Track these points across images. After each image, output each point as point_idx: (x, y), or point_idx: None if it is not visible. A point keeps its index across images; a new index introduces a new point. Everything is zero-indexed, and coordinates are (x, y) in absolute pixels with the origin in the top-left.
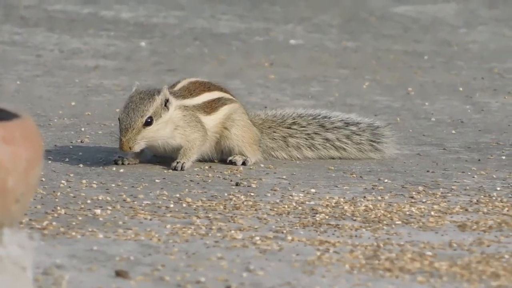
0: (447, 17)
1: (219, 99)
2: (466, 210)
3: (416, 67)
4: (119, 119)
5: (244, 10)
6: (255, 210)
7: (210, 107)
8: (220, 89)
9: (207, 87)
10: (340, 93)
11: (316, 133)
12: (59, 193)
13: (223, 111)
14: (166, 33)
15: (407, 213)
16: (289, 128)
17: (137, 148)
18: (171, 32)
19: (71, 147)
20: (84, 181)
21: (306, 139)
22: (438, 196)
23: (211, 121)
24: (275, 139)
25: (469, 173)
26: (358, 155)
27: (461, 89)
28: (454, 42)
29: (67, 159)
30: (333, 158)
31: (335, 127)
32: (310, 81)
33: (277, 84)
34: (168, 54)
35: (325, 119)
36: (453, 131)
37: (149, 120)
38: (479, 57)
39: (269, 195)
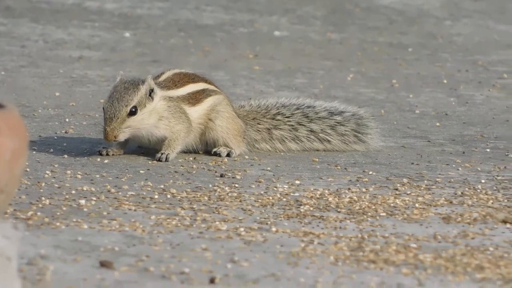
0: (433, 9)
1: (203, 90)
2: (451, 202)
3: (401, 59)
4: (103, 108)
5: (229, 1)
6: (240, 201)
7: (195, 98)
8: (205, 80)
9: (192, 78)
10: (325, 85)
11: (300, 124)
12: (43, 184)
13: (207, 102)
14: (150, 24)
15: (392, 205)
16: (273, 119)
17: (121, 137)
18: (156, 23)
19: (55, 137)
20: (68, 171)
21: (290, 130)
22: (422, 188)
23: (195, 112)
24: (259, 131)
25: (453, 165)
26: (342, 147)
27: (445, 81)
28: (439, 34)
29: (51, 150)
30: (318, 150)
31: (320, 117)
32: (295, 73)
33: (262, 76)
34: (152, 45)
35: (309, 109)
36: (438, 124)
37: (133, 109)
38: (463, 50)
39: (253, 186)
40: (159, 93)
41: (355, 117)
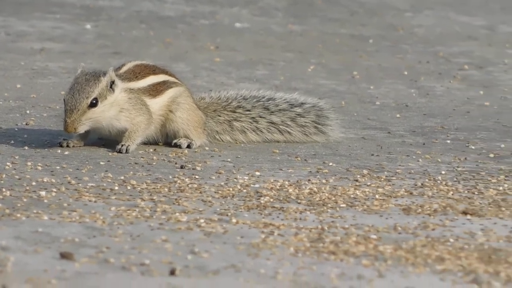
0: (393, 1)
1: (164, 82)
2: (411, 193)
3: (361, 51)
4: (64, 100)
5: None
6: (200, 192)
7: (156, 90)
8: (165, 72)
9: (153, 70)
10: (285, 77)
11: (261, 117)
12: (4, 175)
13: (168, 94)
14: (112, 16)
15: (352, 196)
16: (234, 111)
17: (81, 129)
18: (117, 15)
19: (16, 129)
20: (29, 163)
21: (251, 122)
22: (382, 179)
23: (156, 104)
24: (220, 122)
25: (413, 156)
26: (302, 138)
27: (406, 73)
28: (399, 26)
29: (12, 141)
30: (278, 142)
31: (280, 109)
32: (256, 65)
33: (223, 67)
34: (114, 37)
35: (270, 101)
36: (398, 115)
37: (94, 101)
38: (424, 41)
39: (213, 178)
40: (120, 85)
41: (315, 109)
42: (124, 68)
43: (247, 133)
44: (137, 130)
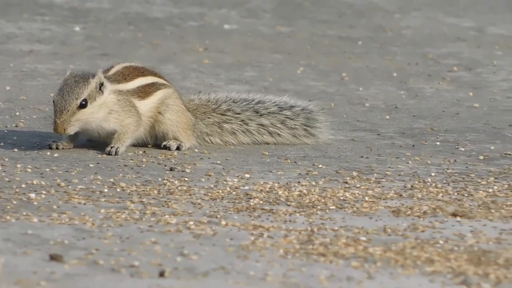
0: (381, 2)
1: (153, 84)
2: (401, 195)
3: (350, 53)
4: (53, 101)
5: None
6: (189, 195)
7: (144, 92)
8: (154, 74)
9: (141, 72)
10: (274, 78)
11: (250, 119)
12: None
13: (157, 95)
14: (100, 17)
15: (341, 198)
16: (224, 114)
17: (71, 130)
18: (105, 17)
19: (6, 131)
20: (18, 165)
21: (241, 125)
22: (372, 181)
23: (145, 106)
24: (209, 124)
25: (403, 158)
26: (292, 140)
27: (395, 74)
28: (388, 27)
29: (1, 144)
30: (268, 144)
31: (270, 112)
32: (244, 66)
33: (211, 69)
34: (102, 39)
35: (259, 105)
36: (387, 117)
37: (83, 102)
38: (413, 43)
39: (203, 180)
40: (109, 87)
41: (304, 112)
42: (113, 70)
43: (237, 134)
44: (126, 132)
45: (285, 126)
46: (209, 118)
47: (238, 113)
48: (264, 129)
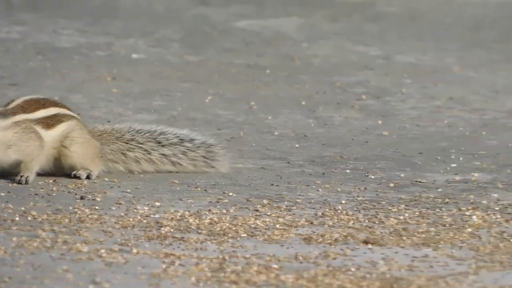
0: (289, 31)
1: (55, 115)
2: (311, 223)
3: (258, 81)
4: None
5: (85, 25)
6: (100, 223)
7: (46, 123)
8: (56, 104)
9: (42, 104)
10: (183, 107)
11: (153, 149)
12: None
13: (60, 128)
14: (9, 47)
15: (252, 226)
16: (127, 143)
17: None
18: (14, 47)
19: None
20: None
21: (144, 154)
22: (283, 209)
23: (49, 136)
24: (114, 151)
25: (313, 186)
26: (193, 169)
27: (304, 103)
28: (296, 56)
29: None
30: (171, 172)
31: (171, 143)
32: (153, 95)
33: (120, 98)
34: (10, 68)
35: (161, 136)
36: (297, 145)
37: None
38: (321, 71)
39: (114, 208)
40: (2, 124)
41: (204, 145)
42: (13, 104)
43: (140, 162)
44: (32, 160)
45: (186, 156)
46: (113, 145)
47: (141, 143)
48: (166, 158)
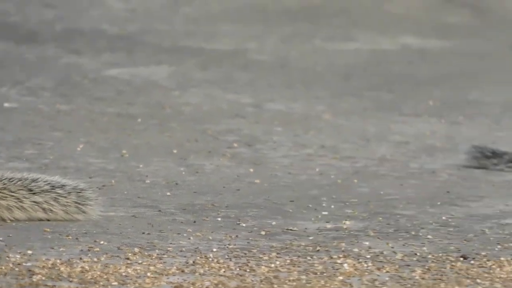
0: (160, 79)
1: None
2: (183, 271)
3: (129, 129)
4: None
5: None
6: None
7: None
8: None
9: None
10: (55, 156)
11: (25, 197)
12: None
13: None
14: None
15: (124, 274)
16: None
17: None
18: None
19: None
20: None
21: (16, 202)
22: (154, 257)
23: None
24: None
25: (184, 234)
26: (65, 216)
27: (175, 151)
28: (167, 104)
29: None
30: (42, 220)
31: (43, 190)
32: (25, 144)
33: None
34: None
35: (33, 183)
36: (168, 193)
37: None
38: (192, 119)
39: None
40: None
41: (75, 190)
42: None
43: (13, 210)
44: None
45: (58, 203)
46: None
47: (13, 191)
48: (38, 205)
